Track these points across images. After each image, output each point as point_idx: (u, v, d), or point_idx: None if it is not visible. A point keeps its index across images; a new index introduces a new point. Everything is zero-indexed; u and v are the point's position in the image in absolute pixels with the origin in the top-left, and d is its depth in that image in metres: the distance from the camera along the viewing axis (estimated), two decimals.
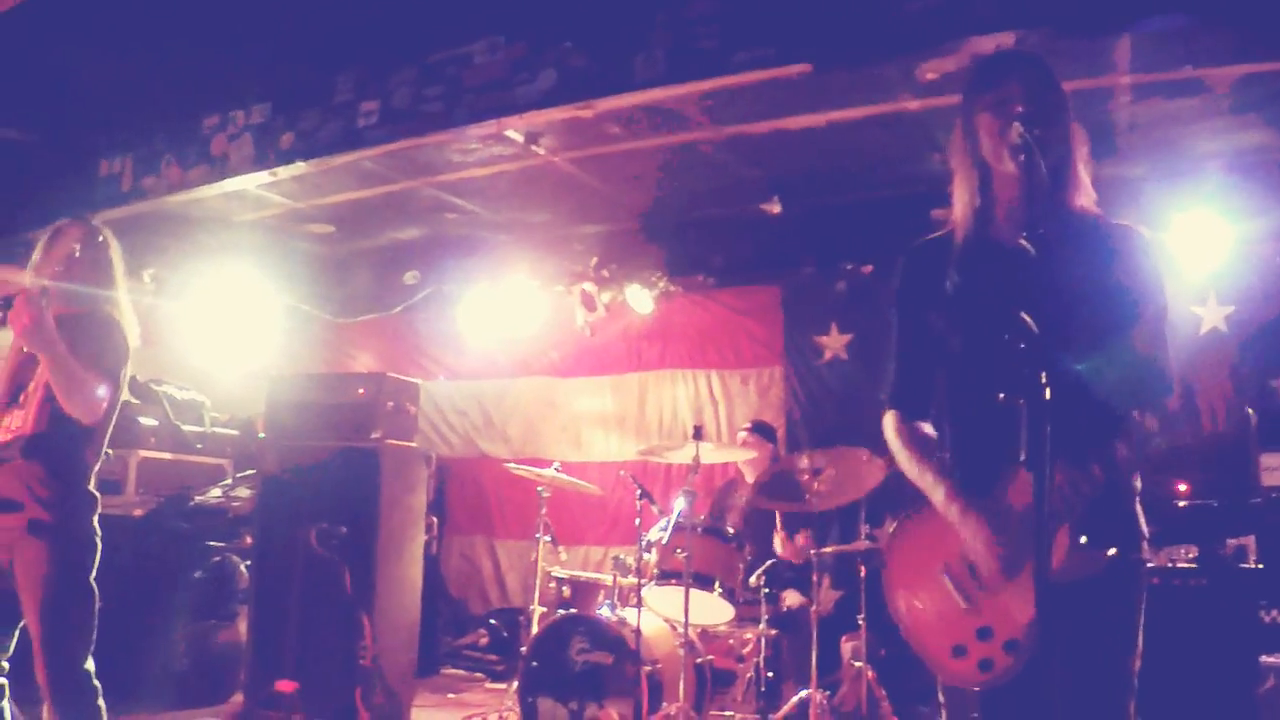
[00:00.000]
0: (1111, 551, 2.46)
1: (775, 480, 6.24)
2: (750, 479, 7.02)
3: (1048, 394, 1.94)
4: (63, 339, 3.90)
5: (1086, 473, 2.38)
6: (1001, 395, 2.37)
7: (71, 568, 3.96)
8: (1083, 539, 2.41)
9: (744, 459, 7.04)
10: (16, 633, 4.01)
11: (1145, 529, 2.64)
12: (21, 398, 4.02)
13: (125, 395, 4.24)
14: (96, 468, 4.15)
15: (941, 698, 2.82)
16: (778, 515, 6.64)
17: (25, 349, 3.92)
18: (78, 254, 4.18)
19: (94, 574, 4.03)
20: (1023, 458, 1.98)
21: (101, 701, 3.97)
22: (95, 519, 4.08)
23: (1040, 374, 1.95)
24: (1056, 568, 2.27)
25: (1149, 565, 2.64)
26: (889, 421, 2.88)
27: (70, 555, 3.96)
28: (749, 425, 7.32)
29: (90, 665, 3.97)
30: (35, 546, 3.88)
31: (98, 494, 4.14)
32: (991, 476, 2.55)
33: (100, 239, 4.32)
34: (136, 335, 4.28)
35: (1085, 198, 2.66)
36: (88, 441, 4.08)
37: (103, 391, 3.98)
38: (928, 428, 2.85)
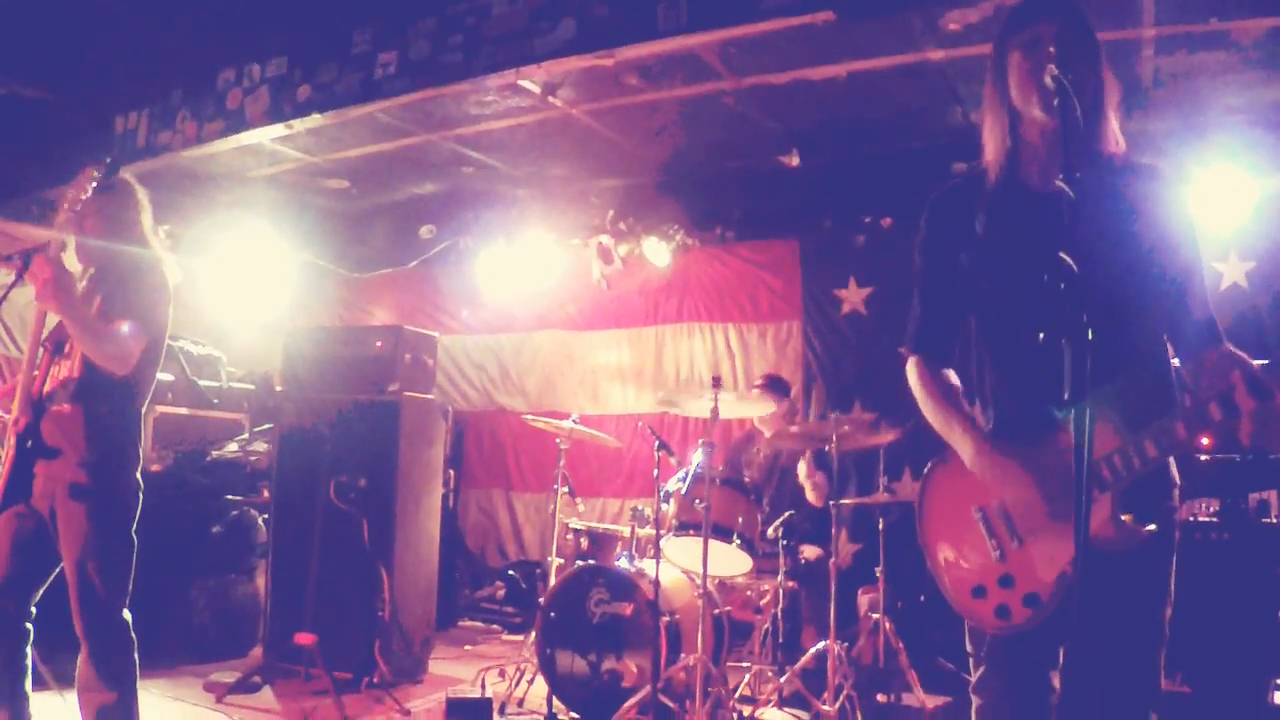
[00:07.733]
0: (1151, 527, 2.43)
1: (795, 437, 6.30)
2: (767, 434, 7.01)
3: (1090, 334, 1.92)
4: (99, 290, 3.87)
5: (1140, 449, 2.36)
6: (1041, 336, 2.34)
7: (112, 523, 3.94)
8: (1125, 517, 2.38)
9: (761, 414, 7.02)
10: (49, 580, 4.00)
11: (1177, 478, 2.62)
12: (67, 348, 3.98)
13: None
14: (143, 414, 4.12)
15: (969, 648, 2.78)
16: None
17: (42, 307, 3.80)
18: (97, 201, 4.03)
19: (134, 526, 4.03)
20: (1066, 396, 1.94)
21: (136, 655, 3.98)
22: (138, 472, 4.06)
23: (1082, 314, 1.93)
24: (1094, 536, 2.25)
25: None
26: (913, 367, 2.85)
27: (112, 512, 3.95)
28: (761, 380, 7.28)
29: (128, 616, 3.97)
30: (76, 504, 3.87)
31: (141, 448, 4.11)
32: (1037, 420, 2.51)
33: (119, 182, 4.20)
34: (175, 271, 4.20)
35: (1115, 144, 2.62)
36: (127, 390, 4.03)
37: (131, 340, 3.90)
38: (953, 376, 2.82)
